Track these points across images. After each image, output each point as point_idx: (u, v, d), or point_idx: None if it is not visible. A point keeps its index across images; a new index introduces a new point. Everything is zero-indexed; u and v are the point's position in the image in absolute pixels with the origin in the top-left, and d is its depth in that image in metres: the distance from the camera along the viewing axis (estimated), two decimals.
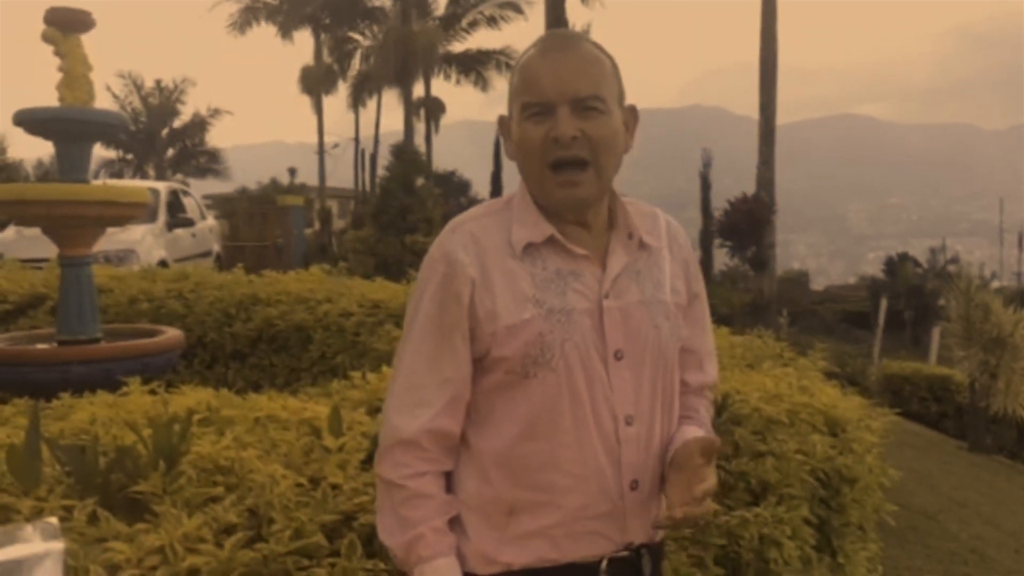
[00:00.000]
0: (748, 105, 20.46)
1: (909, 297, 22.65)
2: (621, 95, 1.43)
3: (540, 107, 1.37)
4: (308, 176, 35.62)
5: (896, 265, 26.73)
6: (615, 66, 1.43)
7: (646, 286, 1.45)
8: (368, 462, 1.90)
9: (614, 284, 1.41)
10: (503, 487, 1.37)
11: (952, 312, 8.83)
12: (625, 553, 1.40)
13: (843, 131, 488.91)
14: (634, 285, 1.44)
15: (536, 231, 1.40)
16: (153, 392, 2.34)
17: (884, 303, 15.77)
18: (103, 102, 32.73)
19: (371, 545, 1.63)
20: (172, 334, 4.63)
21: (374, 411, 2.35)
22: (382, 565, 1.54)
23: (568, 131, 1.35)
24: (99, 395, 2.38)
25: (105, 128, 4.80)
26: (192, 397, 2.27)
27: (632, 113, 1.46)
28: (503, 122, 1.47)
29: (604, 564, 1.38)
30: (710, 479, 1.37)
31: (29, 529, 1.03)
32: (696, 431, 1.49)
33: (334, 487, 1.74)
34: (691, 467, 1.37)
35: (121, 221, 5.09)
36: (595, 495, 1.38)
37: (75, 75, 4.51)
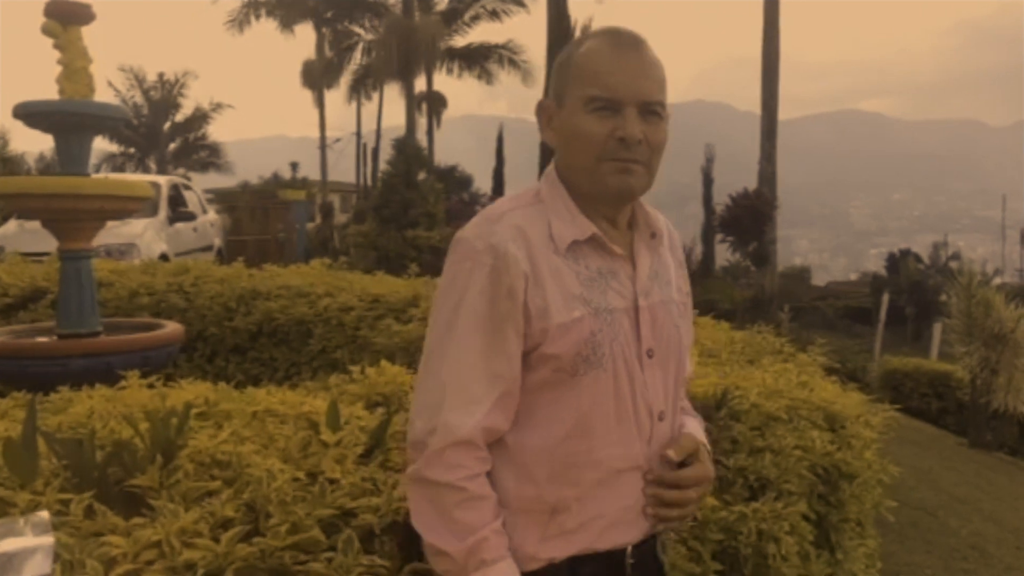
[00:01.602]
0: (752, 100, 20.42)
1: (911, 293, 22.63)
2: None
3: (607, 103, 1.36)
4: (310, 170, 35.67)
5: (898, 261, 26.70)
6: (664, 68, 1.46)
7: (664, 286, 1.49)
8: (366, 456, 1.90)
9: (644, 283, 1.45)
10: (546, 486, 1.37)
11: (953, 308, 8.81)
12: (644, 538, 1.46)
13: (847, 126, 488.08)
14: (656, 285, 1.48)
15: (578, 229, 1.40)
16: (151, 386, 2.34)
17: (886, 299, 15.75)
18: (104, 96, 32.75)
19: (369, 541, 1.62)
20: (172, 328, 4.63)
21: (373, 405, 2.35)
22: (379, 561, 1.54)
23: (636, 134, 1.36)
24: (97, 389, 2.38)
25: (104, 121, 4.79)
26: (190, 391, 2.26)
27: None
28: (545, 108, 1.46)
29: (629, 550, 1.43)
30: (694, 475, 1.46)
31: (21, 523, 1.03)
32: (693, 424, 1.57)
33: (332, 482, 1.74)
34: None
35: (121, 215, 5.08)
36: (635, 489, 1.43)
37: (75, 68, 4.50)
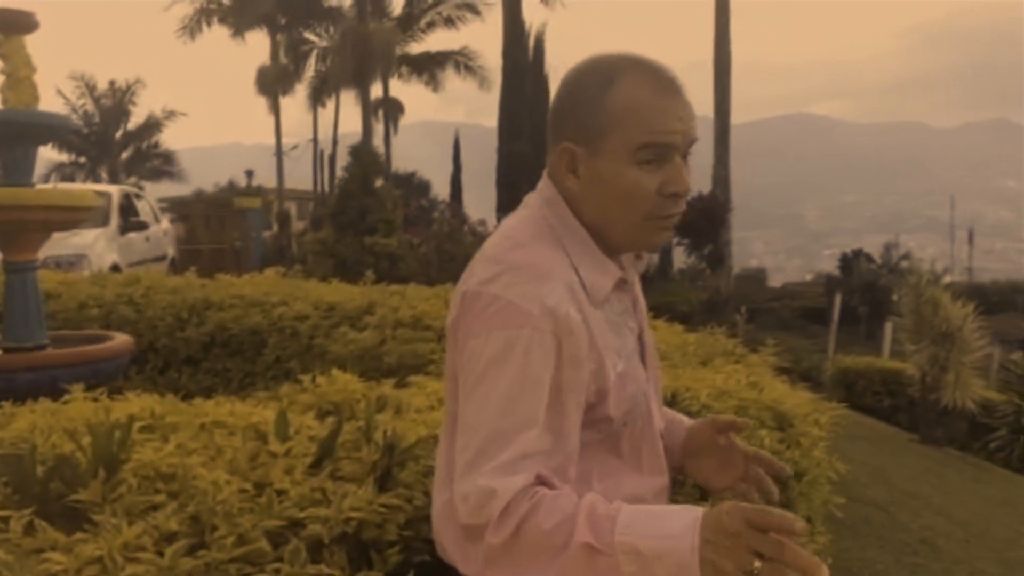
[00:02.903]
0: (705, 104, 20.70)
1: (863, 293, 23.02)
2: None
3: (661, 151, 1.24)
4: (266, 178, 35.32)
5: (851, 261, 27.15)
6: None
7: (641, 304, 1.45)
8: (315, 466, 1.89)
9: (641, 310, 1.41)
10: None
11: (903, 307, 8.99)
12: None
13: (799, 130, 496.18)
14: (639, 305, 1.45)
15: (609, 276, 1.30)
16: (96, 399, 2.30)
17: (838, 299, 16.02)
18: (54, 105, 32.20)
19: (318, 551, 1.61)
20: (121, 339, 4.56)
21: (324, 414, 2.34)
22: (327, 571, 1.53)
23: (688, 185, 1.26)
24: (41, 403, 2.33)
25: (49, 130, 4.72)
26: (136, 403, 2.23)
27: None
28: (567, 152, 1.29)
29: None
30: (745, 450, 1.43)
31: None
32: (675, 414, 1.56)
33: (280, 492, 1.72)
34: (714, 449, 1.44)
35: (67, 225, 5.00)
36: None
37: (18, 77, 4.43)
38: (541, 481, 1.15)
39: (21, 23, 4.48)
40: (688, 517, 1.04)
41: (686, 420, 1.53)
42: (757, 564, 0.98)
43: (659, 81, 1.26)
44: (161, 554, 1.48)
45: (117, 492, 1.67)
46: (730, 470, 1.42)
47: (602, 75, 1.27)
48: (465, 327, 1.23)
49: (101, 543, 1.48)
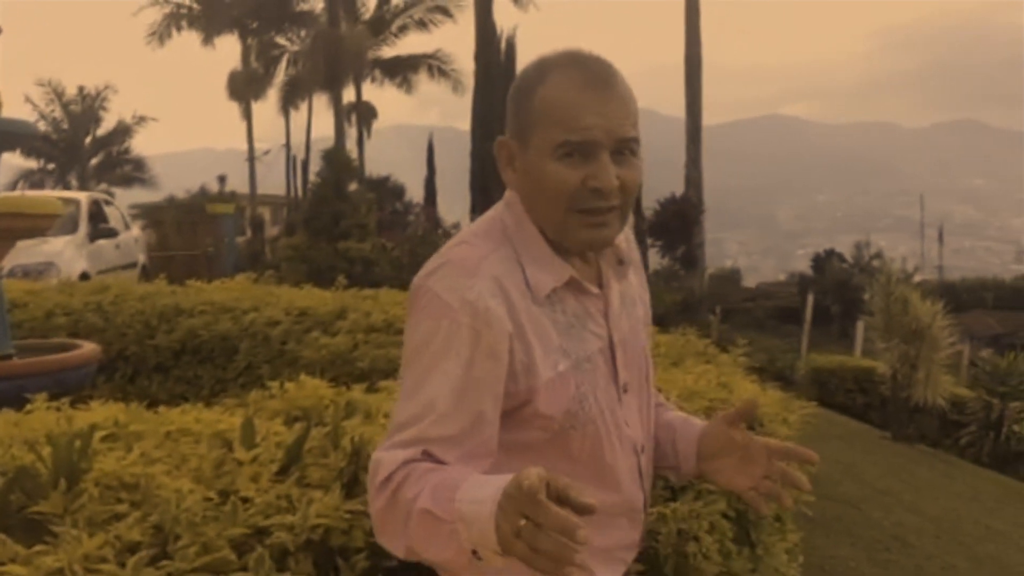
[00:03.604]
0: (677, 106, 20.81)
1: (836, 292, 23.25)
2: None
3: (579, 147, 1.24)
4: (239, 183, 35.07)
5: (823, 261, 27.42)
6: None
7: (629, 310, 1.42)
8: (282, 473, 1.87)
9: (615, 317, 1.37)
10: None
11: (873, 306, 9.09)
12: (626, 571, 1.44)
13: (771, 131, 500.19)
14: (624, 312, 1.40)
15: (556, 274, 1.30)
16: (59, 409, 2.27)
17: (811, 299, 16.17)
18: (22, 111, 31.74)
19: (283, 559, 1.60)
20: (88, 348, 4.49)
21: (292, 420, 2.32)
22: None
23: (612, 182, 1.24)
24: (2, 413, 2.29)
25: (12, 136, 4.64)
26: (100, 413, 2.20)
27: None
28: (504, 147, 1.33)
29: None
30: (767, 444, 1.37)
31: None
32: (689, 418, 1.52)
33: (245, 500, 1.71)
34: (732, 447, 1.39)
35: (32, 233, 4.92)
36: (630, 527, 1.40)
37: None
38: (429, 457, 1.19)
39: None
40: (501, 482, 1.04)
41: (699, 423, 1.50)
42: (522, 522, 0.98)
43: (585, 77, 1.26)
44: (123, 565, 1.46)
45: (78, 503, 1.64)
46: (752, 468, 1.37)
47: (538, 72, 1.30)
48: (408, 317, 1.30)
49: (61, 555, 1.45)
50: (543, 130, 1.26)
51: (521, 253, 1.30)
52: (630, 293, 1.44)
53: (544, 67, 1.30)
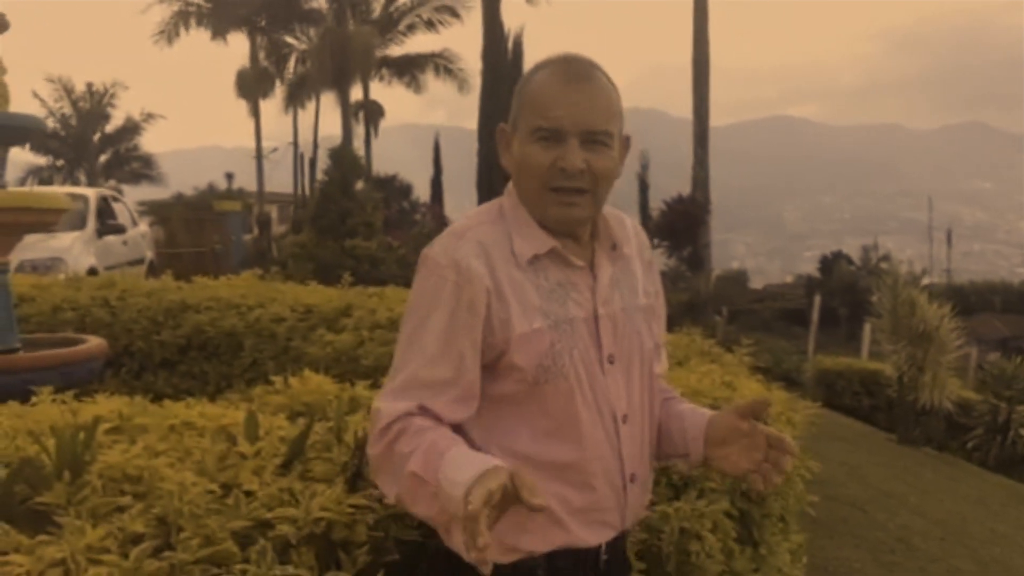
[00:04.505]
0: (685, 107, 20.77)
1: (843, 294, 23.23)
2: (622, 126, 1.51)
3: (551, 133, 1.43)
4: (246, 181, 35.16)
5: (831, 263, 27.41)
6: (619, 97, 1.51)
7: (625, 293, 1.56)
8: (285, 467, 1.87)
9: (604, 293, 1.51)
10: None
11: (880, 308, 9.06)
12: (616, 536, 1.55)
13: (778, 132, 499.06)
14: (616, 293, 1.54)
15: (538, 243, 1.47)
16: (63, 402, 2.28)
17: (818, 300, 16.13)
18: (31, 107, 31.87)
19: (286, 552, 1.60)
20: (95, 343, 4.50)
21: (295, 415, 2.32)
22: (294, 571, 1.51)
23: (577, 164, 1.43)
24: (7, 405, 2.30)
25: (20, 132, 4.63)
26: (104, 406, 2.20)
27: (626, 142, 1.54)
28: (503, 133, 1.53)
29: (603, 547, 1.51)
30: (768, 433, 1.51)
31: None
32: (697, 408, 1.66)
33: (248, 493, 1.71)
34: (738, 436, 1.52)
35: (39, 228, 4.93)
36: (606, 489, 1.50)
37: None
38: (424, 411, 1.40)
39: None
40: (476, 470, 1.23)
41: (708, 412, 1.63)
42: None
43: (565, 75, 1.46)
44: (126, 556, 1.46)
45: (82, 494, 1.65)
46: (754, 453, 1.51)
47: (533, 69, 1.52)
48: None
49: (64, 545, 1.46)
50: (526, 117, 1.47)
51: (511, 226, 1.49)
52: (629, 280, 1.58)
53: (538, 66, 1.51)
